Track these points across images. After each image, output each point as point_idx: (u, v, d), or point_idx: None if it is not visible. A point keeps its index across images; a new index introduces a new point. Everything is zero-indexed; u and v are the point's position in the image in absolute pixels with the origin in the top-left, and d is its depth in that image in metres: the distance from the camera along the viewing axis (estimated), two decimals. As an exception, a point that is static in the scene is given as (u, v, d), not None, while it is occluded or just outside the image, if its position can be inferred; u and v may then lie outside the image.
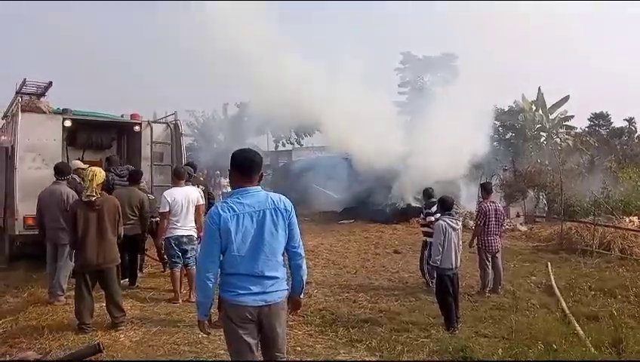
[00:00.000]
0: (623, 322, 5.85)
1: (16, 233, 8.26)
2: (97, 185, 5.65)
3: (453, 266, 6.25)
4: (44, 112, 9.09)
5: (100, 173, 5.73)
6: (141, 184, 8.30)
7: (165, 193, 7.07)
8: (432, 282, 7.64)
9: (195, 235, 7.00)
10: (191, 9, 17.71)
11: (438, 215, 8.15)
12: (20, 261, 8.90)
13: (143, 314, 6.39)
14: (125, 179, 8.20)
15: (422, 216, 8.66)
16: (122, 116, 10.31)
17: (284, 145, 32.70)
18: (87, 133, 10.13)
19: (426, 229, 8.39)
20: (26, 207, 7.96)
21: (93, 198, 5.59)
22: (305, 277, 3.52)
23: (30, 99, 9.43)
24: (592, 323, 6.18)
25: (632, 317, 6.35)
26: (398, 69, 32.54)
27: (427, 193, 8.70)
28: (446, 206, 6.53)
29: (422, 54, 31.09)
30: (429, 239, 8.07)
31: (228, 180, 14.50)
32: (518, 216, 18.03)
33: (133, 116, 10.08)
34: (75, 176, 7.75)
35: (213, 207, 3.37)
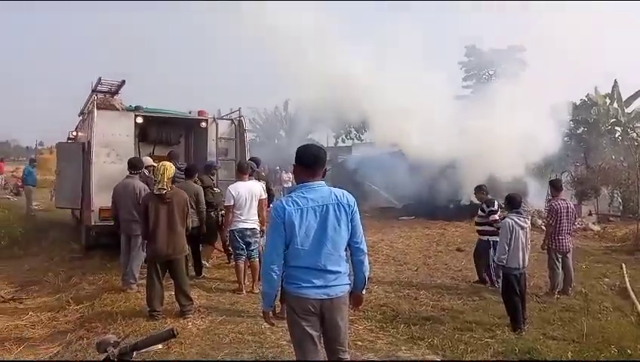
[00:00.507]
0: None
1: (92, 224, 8.73)
2: (168, 178, 5.90)
3: (520, 266, 6.04)
4: (118, 109, 9.53)
5: (170, 168, 5.99)
6: (212, 177, 8.59)
7: (230, 187, 7.27)
8: (497, 282, 7.43)
9: (258, 228, 7.16)
10: (243, 9, 18.12)
11: (499, 213, 7.95)
12: (95, 250, 9.43)
13: (209, 303, 6.62)
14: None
15: (482, 213, 8.23)
16: (190, 113, 10.65)
17: (343, 140, 32.72)
18: (157, 129, 10.55)
19: (484, 228, 8.11)
20: (100, 200, 8.40)
21: (164, 192, 5.84)
22: (367, 273, 3.53)
23: (105, 97, 9.93)
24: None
25: None
26: (461, 62, 31.69)
27: (484, 190, 8.43)
28: (514, 203, 6.31)
29: (488, 47, 30.11)
30: (490, 238, 7.88)
31: (289, 175, 14.75)
32: (590, 214, 17.17)
33: (200, 113, 10.39)
34: (145, 171, 8.12)
35: (277, 201, 3.45)
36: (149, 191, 6.64)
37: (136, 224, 6.89)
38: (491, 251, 7.82)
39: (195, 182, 8.03)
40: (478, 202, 12.58)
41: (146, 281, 6.14)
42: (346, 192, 3.43)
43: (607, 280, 8.50)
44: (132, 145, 9.34)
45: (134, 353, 2.13)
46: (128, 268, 7.21)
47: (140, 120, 9.53)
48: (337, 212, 3.31)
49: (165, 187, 5.86)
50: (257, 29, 18.36)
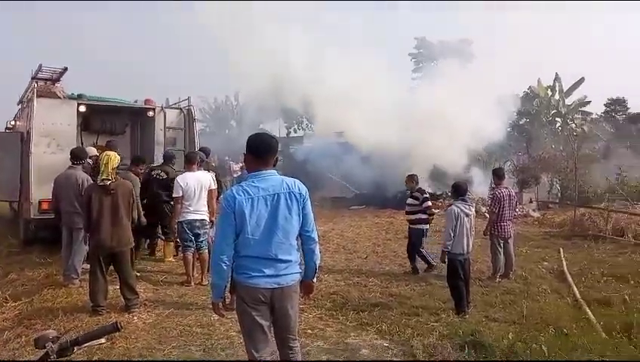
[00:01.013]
0: (634, 307, 5.82)
1: (31, 217, 8.38)
2: (112, 169, 5.70)
3: (465, 251, 6.25)
4: (59, 98, 9.18)
5: (114, 158, 5.78)
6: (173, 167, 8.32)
7: (178, 178, 7.13)
8: (434, 260, 7.93)
9: (208, 219, 7.07)
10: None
11: (429, 203, 8.21)
12: (34, 245, 9.03)
13: (156, 296, 6.48)
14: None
15: (415, 201, 8.24)
16: (136, 102, 10.36)
17: (295, 131, 32.64)
18: (101, 119, 10.20)
19: (418, 216, 8.20)
20: (40, 192, 8.07)
21: (108, 182, 5.65)
22: (318, 262, 3.55)
23: (45, 84, 9.52)
24: (603, 309, 6.18)
25: (644, 302, 6.32)
26: (412, 54, 32.23)
27: (415, 179, 8.50)
28: (460, 191, 6.50)
29: (437, 40, 30.77)
30: (424, 226, 8.15)
31: (239, 165, 14.40)
32: (530, 202, 17.95)
33: (146, 102, 10.13)
34: (89, 161, 7.83)
35: (228, 190, 3.40)
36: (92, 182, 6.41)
37: (78, 216, 6.65)
38: (424, 239, 8.21)
39: (139, 173, 7.80)
40: (429, 191, 12.57)
41: (88, 276, 5.93)
42: (297, 181, 3.43)
43: (545, 264, 8.92)
44: (74, 135, 9.00)
45: (75, 348, 2.05)
46: (70, 263, 6.94)
47: (82, 108, 9.19)
48: (289, 201, 3.31)
49: (109, 178, 5.66)
50: (204, 19, 18.11)
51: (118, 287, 5.98)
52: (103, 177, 5.66)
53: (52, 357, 2.01)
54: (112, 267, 5.91)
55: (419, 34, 32.28)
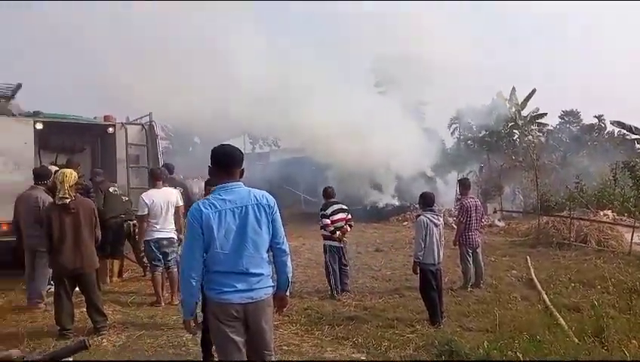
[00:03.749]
0: (603, 312, 5.93)
1: None
2: (70, 186, 5.46)
3: (436, 261, 6.25)
4: (14, 115, 8.86)
5: (70, 175, 5.52)
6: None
7: (143, 195, 6.95)
8: (336, 291, 7.47)
9: (176, 237, 6.89)
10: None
11: (337, 216, 7.69)
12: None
13: (125, 318, 6.26)
14: None
15: (320, 217, 7.88)
16: (95, 118, 10.11)
17: (261, 147, 32.57)
18: (59, 136, 9.91)
19: (322, 232, 7.86)
20: None
21: (67, 201, 5.42)
22: (290, 274, 3.47)
23: (-1, 102, 9.18)
24: (573, 314, 6.26)
25: (612, 306, 6.44)
26: (372, 68, 32.53)
27: (327, 193, 8.06)
28: (428, 202, 6.51)
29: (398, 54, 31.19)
30: (326, 242, 7.73)
31: (199, 186, 13.88)
32: (495, 211, 18.31)
33: (106, 118, 9.88)
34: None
35: (194, 204, 3.31)
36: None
37: (40, 238, 6.32)
38: (326, 256, 7.72)
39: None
40: (396, 203, 12.58)
41: (53, 299, 5.67)
42: (265, 193, 3.36)
43: (514, 272, 9.03)
44: (31, 154, 8.67)
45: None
46: (34, 286, 6.66)
47: (39, 126, 8.87)
48: (257, 213, 3.24)
49: (67, 195, 5.42)
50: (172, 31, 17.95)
51: (85, 309, 5.73)
52: (61, 195, 5.42)
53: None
54: (77, 289, 5.67)
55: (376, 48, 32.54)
